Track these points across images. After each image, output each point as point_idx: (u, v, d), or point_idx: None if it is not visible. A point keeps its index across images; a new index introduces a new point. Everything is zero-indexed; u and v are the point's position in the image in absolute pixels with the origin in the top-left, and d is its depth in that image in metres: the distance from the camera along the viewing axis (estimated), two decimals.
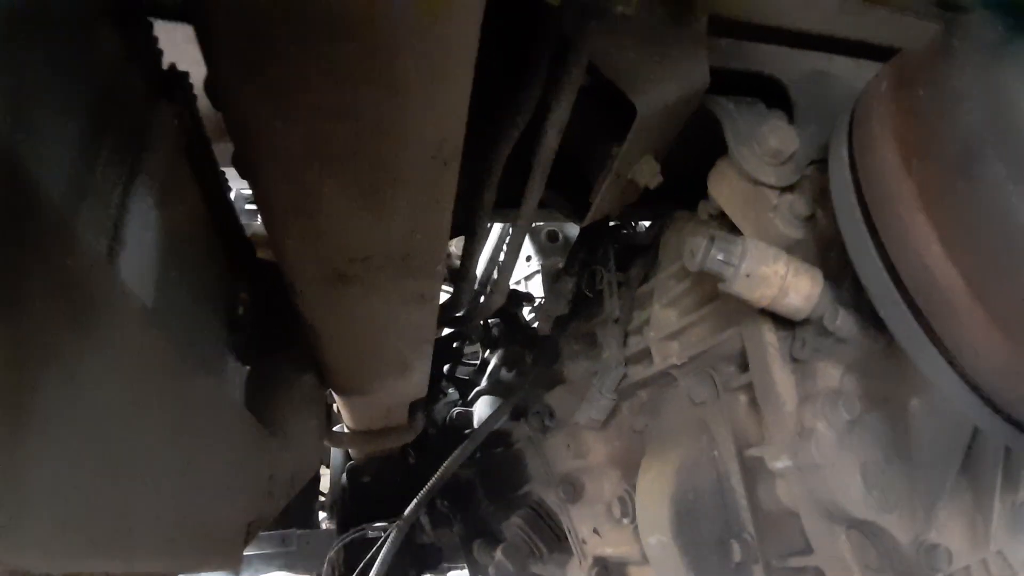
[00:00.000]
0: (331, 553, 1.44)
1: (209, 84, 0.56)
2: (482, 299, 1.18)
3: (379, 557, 1.28)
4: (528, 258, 2.29)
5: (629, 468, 1.31)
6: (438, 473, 1.40)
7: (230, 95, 0.52)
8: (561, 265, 1.77)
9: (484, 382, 1.83)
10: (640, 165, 0.96)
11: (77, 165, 0.58)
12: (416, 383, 1.08)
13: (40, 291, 0.43)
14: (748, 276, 0.86)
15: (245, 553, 1.81)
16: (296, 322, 1.10)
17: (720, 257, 0.87)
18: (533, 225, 2.24)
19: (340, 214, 0.61)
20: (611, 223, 1.40)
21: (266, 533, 1.78)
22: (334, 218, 0.62)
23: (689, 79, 0.91)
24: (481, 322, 1.86)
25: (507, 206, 1.00)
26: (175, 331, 0.70)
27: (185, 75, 0.82)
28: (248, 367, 1.09)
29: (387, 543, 1.30)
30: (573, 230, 2.19)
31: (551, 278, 1.72)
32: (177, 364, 0.67)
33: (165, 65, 0.79)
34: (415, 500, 1.38)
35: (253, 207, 2.09)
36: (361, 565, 1.30)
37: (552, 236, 2.21)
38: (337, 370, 1.02)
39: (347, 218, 0.62)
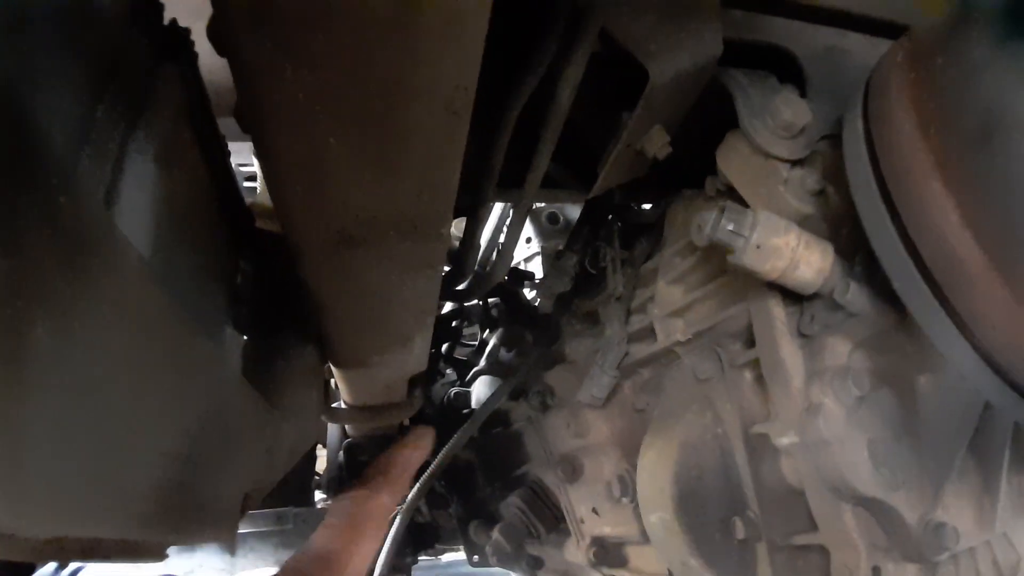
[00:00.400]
0: None
1: (213, 27, 0.54)
2: (483, 274, 1.16)
3: (387, 541, 1.27)
4: (528, 240, 2.27)
5: (630, 447, 1.30)
6: (440, 456, 1.39)
7: (235, 39, 0.50)
8: (562, 247, 1.75)
9: (483, 362, 1.82)
10: (650, 135, 0.94)
11: (76, 114, 0.57)
12: (417, 356, 1.07)
13: (35, 231, 0.42)
14: (759, 247, 0.84)
15: (241, 531, 1.81)
16: (296, 293, 1.09)
17: (731, 228, 0.85)
18: (534, 207, 2.23)
19: (347, 170, 0.60)
20: (615, 202, 1.38)
21: (262, 511, 1.77)
22: (341, 174, 0.60)
23: (702, 48, 0.89)
24: (481, 302, 1.84)
25: (511, 186, 0.98)
26: (174, 290, 0.68)
27: (187, 32, 0.80)
28: (246, 338, 1.07)
29: (393, 529, 1.29)
30: (574, 212, 2.17)
31: (552, 259, 1.71)
32: (176, 324, 0.65)
33: (166, 20, 0.77)
34: (417, 484, 1.37)
35: (251, 184, 2.07)
36: None
37: (553, 218, 2.19)
38: (338, 342, 1.00)
39: (354, 174, 0.60)
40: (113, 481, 0.60)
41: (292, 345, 1.10)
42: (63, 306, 0.45)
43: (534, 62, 0.79)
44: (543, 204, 2.21)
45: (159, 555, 0.84)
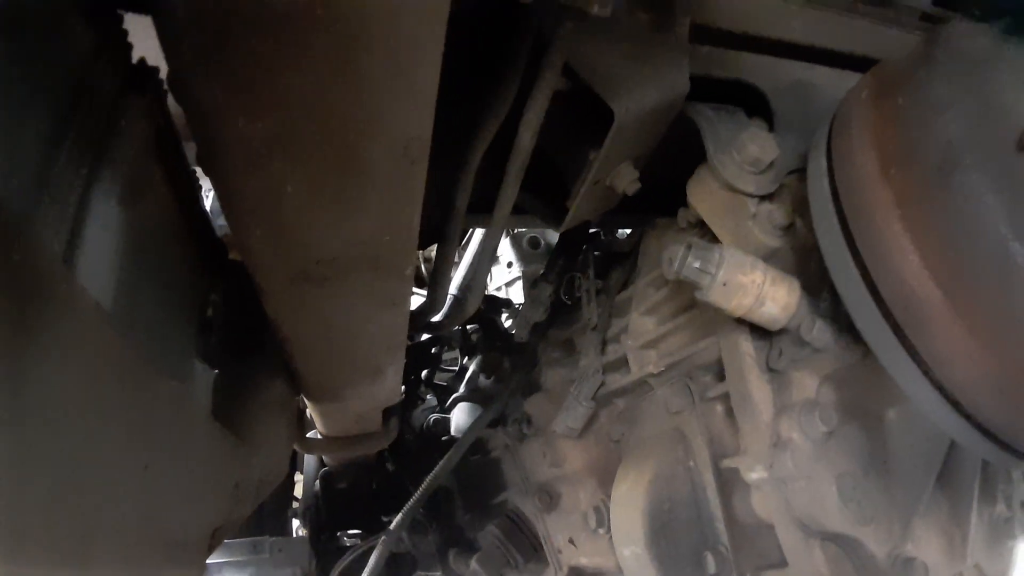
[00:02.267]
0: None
1: (171, 77, 0.55)
2: (458, 304, 1.16)
3: (367, 573, 1.25)
4: (509, 264, 2.27)
5: (606, 477, 1.29)
6: (424, 483, 1.37)
7: (191, 88, 0.51)
8: (543, 271, 1.76)
9: (462, 388, 1.82)
10: (618, 171, 0.95)
11: (35, 160, 0.57)
12: (389, 388, 1.06)
13: None
14: (725, 285, 0.85)
15: (217, 560, 1.79)
16: (267, 326, 1.08)
17: (697, 265, 0.86)
18: (515, 231, 2.23)
19: (305, 212, 0.60)
20: (591, 230, 1.38)
21: (238, 540, 1.75)
22: (299, 217, 0.60)
23: (669, 85, 0.90)
24: (459, 328, 1.84)
25: (484, 211, 0.99)
26: (137, 333, 0.68)
27: (155, 70, 0.80)
28: (216, 371, 1.06)
29: (373, 559, 1.28)
30: (555, 237, 2.18)
31: (531, 284, 1.71)
32: (138, 368, 0.65)
33: (135, 59, 0.77)
34: (400, 514, 1.35)
35: None
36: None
37: (534, 243, 2.20)
38: (307, 375, 1.00)
39: (313, 217, 0.60)
40: (76, 524, 0.59)
41: (262, 378, 1.09)
42: (20, 357, 0.45)
43: (497, 101, 0.79)
44: (524, 229, 2.22)
45: None
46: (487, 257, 1.03)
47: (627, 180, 0.95)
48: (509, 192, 0.87)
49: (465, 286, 1.46)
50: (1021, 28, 0.76)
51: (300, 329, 0.83)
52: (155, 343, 0.79)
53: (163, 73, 0.80)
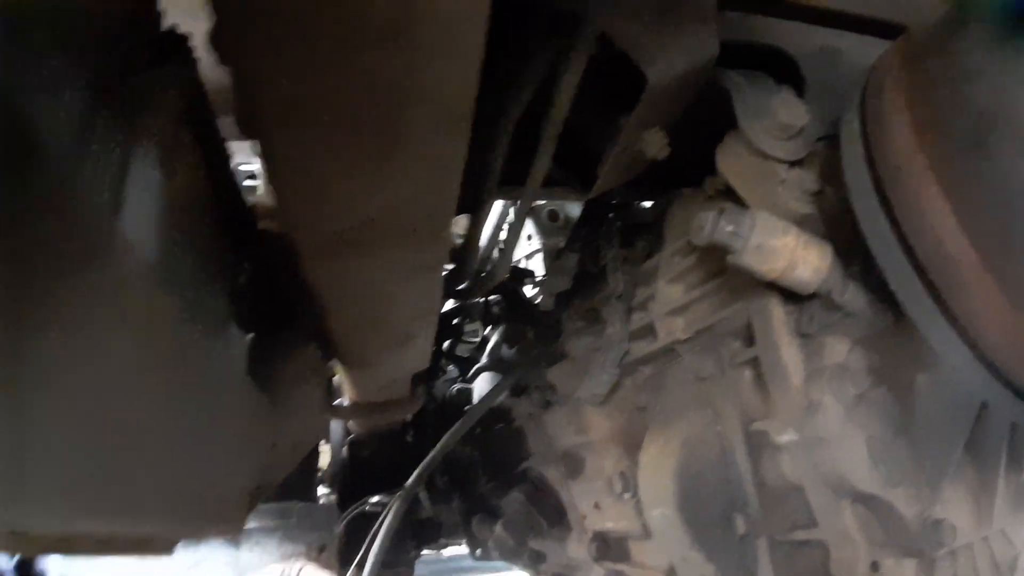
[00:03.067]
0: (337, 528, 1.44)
1: (215, 35, 0.55)
2: (485, 273, 1.17)
3: (383, 528, 1.27)
4: (529, 237, 2.28)
5: (631, 444, 1.30)
6: (440, 443, 1.39)
7: (237, 47, 0.51)
8: (562, 245, 1.76)
9: (484, 359, 1.83)
10: (648, 136, 0.95)
11: (77, 123, 0.57)
12: (419, 354, 1.08)
13: (42, 242, 0.42)
14: (757, 248, 0.85)
15: (246, 526, 1.82)
16: (299, 293, 1.10)
17: (729, 229, 0.86)
18: (534, 204, 2.23)
19: (348, 175, 0.61)
20: (615, 201, 1.39)
21: (266, 506, 1.78)
22: (341, 179, 0.61)
23: (700, 50, 0.90)
24: (482, 299, 1.85)
25: (512, 183, 0.99)
26: (180, 293, 0.69)
27: (186, 38, 0.81)
28: (250, 337, 1.08)
29: (390, 514, 1.30)
30: (574, 210, 2.18)
31: (552, 257, 1.72)
32: (183, 326, 0.66)
33: (165, 26, 0.78)
34: (417, 470, 1.37)
35: (251, 183, 2.08)
36: (369, 538, 1.29)
37: (553, 216, 2.19)
38: (340, 341, 1.01)
39: (355, 180, 0.61)
40: (124, 478, 0.60)
41: (295, 343, 1.11)
42: (70, 313, 0.46)
43: (533, 67, 0.80)
44: (543, 202, 2.21)
45: (167, 550, 0.86)
46: (518, 226, 1.03)
47: (657, 145, 0.95)
48: (544, 159, 0.88)
49: (491, 260, 1.46)
50: None
51: (335, 294, 0.84)
52: (195, 304, 0.80)
53: (194, 40, 0.81)
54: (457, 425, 1.41)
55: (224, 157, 1.00)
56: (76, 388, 0.49)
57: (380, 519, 1.29)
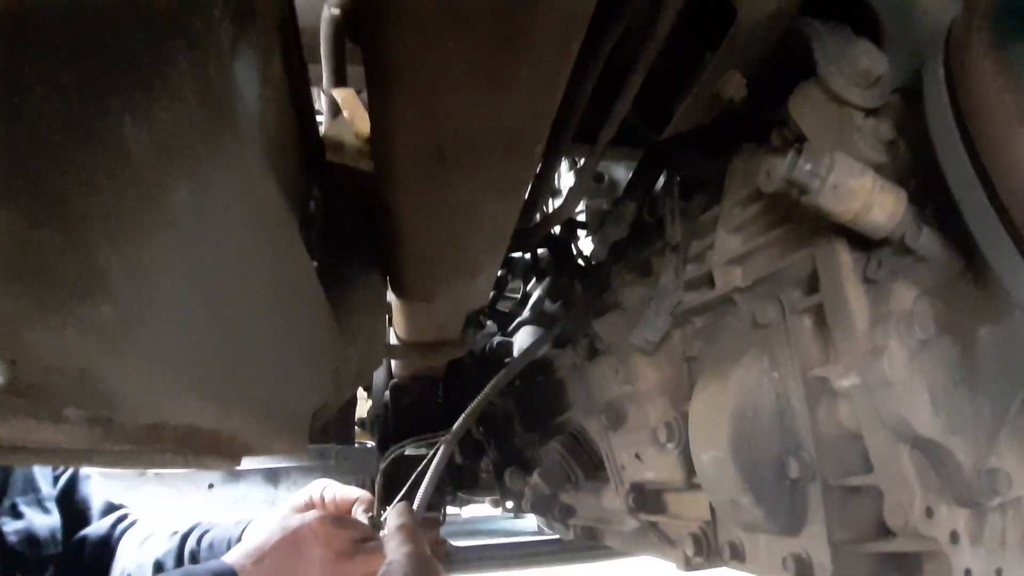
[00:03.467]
0: (383, 464, 1.46)
1: None
2: (545, 215, 1.19)
3: (431, 468, 1.30)
4: None
5: (678, 395, 1.32)
6: (489, 385, 1.40)
7: None
8: (606, 206, 1.77)
9: (527, 313, 1.85)
10: (727, 77, 0.95)
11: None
12: (480, 289, 1.09)
13: (187, 97, 0.44)
14: (835, 188, 0.86)
15: (284, 465, 1.86)
16: (369, 222, 1.11)
17: (808, 167, 0.87)
18: (580, 164, 2.24)
19: (458, 82, 0.62)
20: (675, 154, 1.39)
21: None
22: (451, 86, 0.62)
23: None
24: (528, 255, 1.87)
25: (578, 140, 1.01)
26: (278, 185, 0.70)
27: None
28: (316, 264, 1.10)
29: (438, 455, 1.32)
30: (619, 172, 2.18)
31: (597, 217, 1.73)
32: (282, 216, 0.68)
33: None
34: (464, 413, 1.39)
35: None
36: (412, 477, 1.31)
37: (598, 177, 2.20)
38: (407, 270, 1.03)
39: (464, 87, 0.62)
40: (221, 361, 0.62)
41: (359, 272, 1.13)
42: (201, 173, 0.47)
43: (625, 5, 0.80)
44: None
45: (236, 459, 0.88)
46: (591, 168, 1.04)
47: (735, 87, 0.96)
48: (626, 101, 0.88)
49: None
50: None
51: (416, 213, 0.86)
52: (285, 210, 0.82)
53: None
54: (505, 370, 1.42)
55: (306, 83, 1.02)
56: (197, 255, 0.50)
57: (429, 456, 1.30)
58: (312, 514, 1.19)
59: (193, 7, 0.43)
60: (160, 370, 0.50)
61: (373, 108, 0.71)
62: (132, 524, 1.52)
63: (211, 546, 1.38)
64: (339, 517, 1.21)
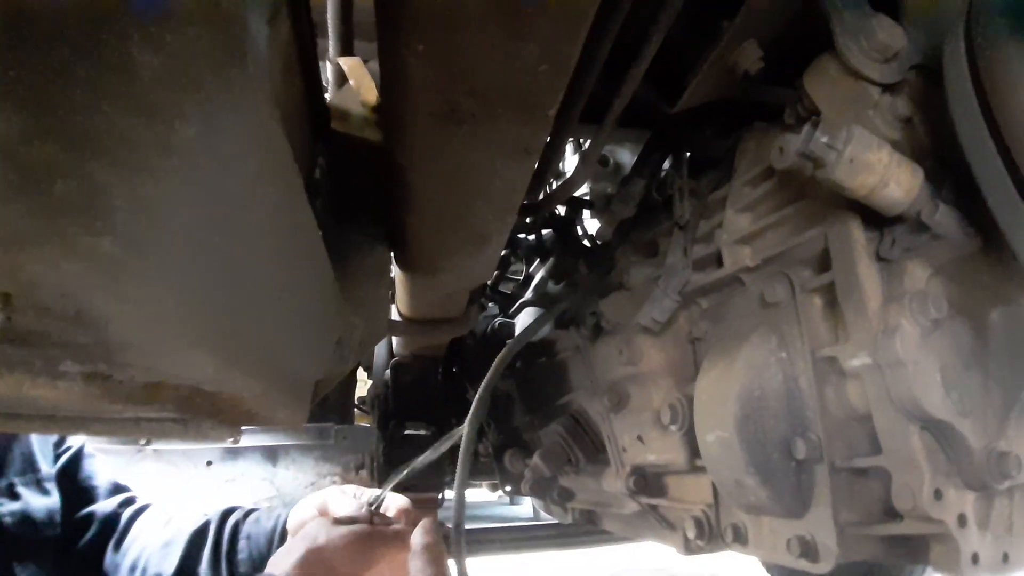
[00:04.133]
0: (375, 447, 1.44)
1: None
2: (554, 189, 1.17)
3: (460, 458, 1.27)
4: None
5: (682, 376, 1.31)
6: (498, 359, 1.38)
7: None
8: (611, 190, 1.75)
9: (529, 293, 1.83)
10: (743, 48, 0.94)
11: None
12: (486, 263, 1.08)
13: (195, 28, 0.42)
14: (852, 162, 0.84)
15: (284, 443, 1.84)
16: (371, 193, 1.10)
17: (824, 140, 0.85)
18: (585, 147, 2.22)
19: (475, 29, 0.60)
20: (685, 131, 1.38)
21: (305, 425, 1.81)
22: (469, 32, 0.60)
23: None
24: (531, 235, 1.85)
25: (585, 121, 0.99)
26: (287, 137, 0.69)
27: None
28: (321, 233, 1.09)
29: (464, 438, 1.29)
30: (624, 156, 2.17)
31: (602, 200, 1.71)
32: (288, 172, 0.66)
33: None
34: (479, 392, 1.35)
35: None
36: (416, 462, 1.29)
37: (603, 160, 2.18)
38: (414, 239, 1.02)
39: (481, 35, 0.61)
40: (224, 316, 0.60)
41: (363, 243, 1.11)
42: (210, 107, 0.45)
43: None
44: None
45: (236, 427, 0.86)
46: (598, 146, 1.03)
47: (752, 58, 0.94)
48: (640, 67, 0.86)
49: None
50: None
51: (425, 179, 0.84)
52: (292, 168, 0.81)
53: None
54: (511, 343, 1.40)
55: (313, 47, 1.00)
56: (201, 195, 0.48)
57: (443, 439, 1.27)
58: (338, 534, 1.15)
59: None
60: (161, 316, 0.48)
61: (385, 65, 0.70)
62: (143, 507, 1.50)
63: (248, 536, 1.35)
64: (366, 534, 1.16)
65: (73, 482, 1.48)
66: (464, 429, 1.22)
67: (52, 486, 1.45)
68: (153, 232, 0.42)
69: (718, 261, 1.20)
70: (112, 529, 1.46)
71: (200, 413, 0.73)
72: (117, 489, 1.52)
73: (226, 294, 0.59)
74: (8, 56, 0.29)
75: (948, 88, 0.85)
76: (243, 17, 0.48)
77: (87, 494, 1.48)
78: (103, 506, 1.48)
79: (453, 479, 1.89)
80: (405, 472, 1.27)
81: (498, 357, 1.34)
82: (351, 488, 1.25)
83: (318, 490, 1.61)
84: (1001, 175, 0.78)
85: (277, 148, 0.60)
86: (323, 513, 1.25)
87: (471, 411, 1.25)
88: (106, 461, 1.58)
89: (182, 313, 0.50)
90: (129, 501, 1.51)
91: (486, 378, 1.30)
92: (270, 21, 0.76)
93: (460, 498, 1.28)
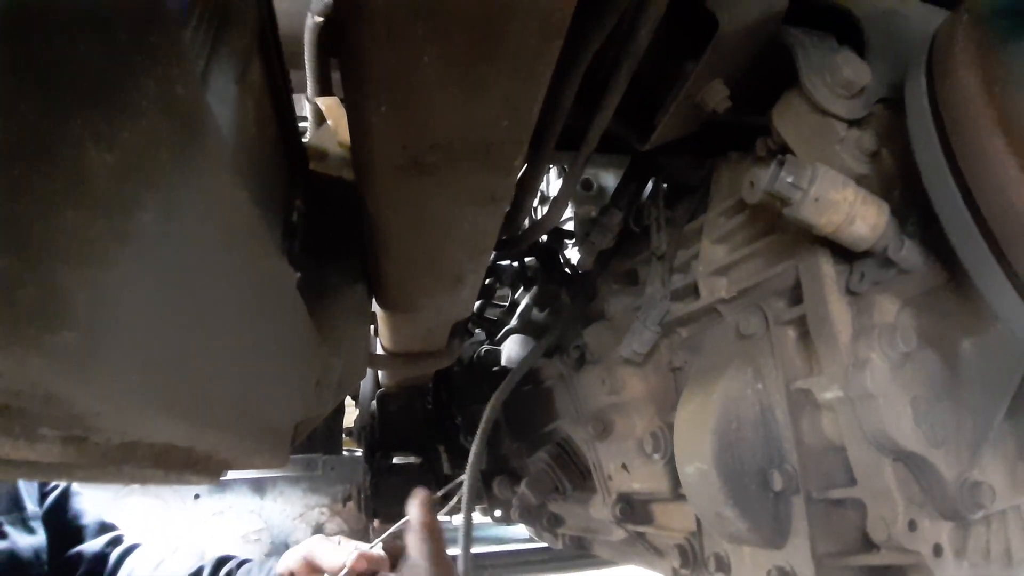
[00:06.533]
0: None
1: None
2: (531, 224, 1.18)
3: (464, 493, 1.28)
4: None
5: (664, 405, 1.32)
6: (497, 392, 1.38)
7: None
8: (595, 214, 1.77)
9: (515, 321, 1.84)
10: (710, 87, 0.95)
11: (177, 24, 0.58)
12: (464, 301, 1.09)
13: (152, 115, 0.43)
14: (817, 200, 0.86)
15: (271, 475, 1.84)
16: (351, 231, 1.11)
17: (790, 180, 0.86)
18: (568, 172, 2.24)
19: (434, 88, 0.61)
20: (660, 162, 1.39)
21: (292, 456, 1.81)
22: (427, 93, 0.61)
23: (770, 2, 0.90)
24: (515, 262, 1.86)
25: (565, 148, 1.00)
26: (250, 193, 0.70)
27: None
28: (299, 274, 1.09)
29: (467, 489, 1.30)
30: (607, 179, 2.18)
31: (585, 224, 1.72)
32: (256, 231, 0.67)
33: None
34: (481, 426, 1.36)
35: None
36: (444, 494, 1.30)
37: (587, 184, 2.20)
38: (390, 281, 1.03)
39: (440, 94, 0.62)
40: (192, 382, 0.61)
41: (342, 283, 1.12)
42: (170, 192, 0.46)
43: (608, 10, 0.79)
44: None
45: (216, 475, 0.87)
46: (575, 176, 1.04)
47: (718, 97, 0.95)
48: (618, 87, 0.87)
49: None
50: None
51: (395, 223, 0.85)
52: (259, 219, 0.81)
53: None
54: (503, 386, 1.41)
55: (288, 93, 1.01)
56: (163, 277, 0.49)
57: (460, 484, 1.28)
58: None
59: (157, 19, 0.43)
60: (127, 393, 0.48)
61: (351, 119, 0.71)
62: (132, 547, 1.50)
63: None
64: None
65: (61, 521, 1.48)
66: (467, 475, 1.23)
67: (38, 525, 1.45)
68: (113, 318, 0.42)
69: (695, 292, 1.21)
70: (100, 569, 1.46)
71: (177, 466, 0.74)
72: (104, 528, 1.52)
73: (193, 360, 0.60)
74: None
75: (910, 124, 0.86)
76: (201, 98, 0.49)
77: (75, 533, 1.48)
78: (91, 546, 1.48)
79: (442, 507, 1.90)
80: (398, 525, 1.27)
81: (493, 397, 1.35)
82: (335, 537, 1.26)
83: (306, 522, 1.62)
84: (961, 211, 0.79)
85: (242, 212, 0.61)
86: (309, 562, 1.26)
87: (472, 453, 1.26)
88: (93, 498, 1.58)
89: (148, 387, 0.51)
90: (117, 540, 1.50)
91: (482, 422, 1.31)
92: (239, 78, 0.77)
93: (467, 523, 1.29)
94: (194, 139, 0.48)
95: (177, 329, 0.54)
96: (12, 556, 1.37)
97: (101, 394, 0.45)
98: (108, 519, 1.54)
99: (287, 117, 1.02)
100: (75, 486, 1.53)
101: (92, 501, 1.55)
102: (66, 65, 0.35)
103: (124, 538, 1.51)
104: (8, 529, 1.39)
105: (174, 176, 0.45)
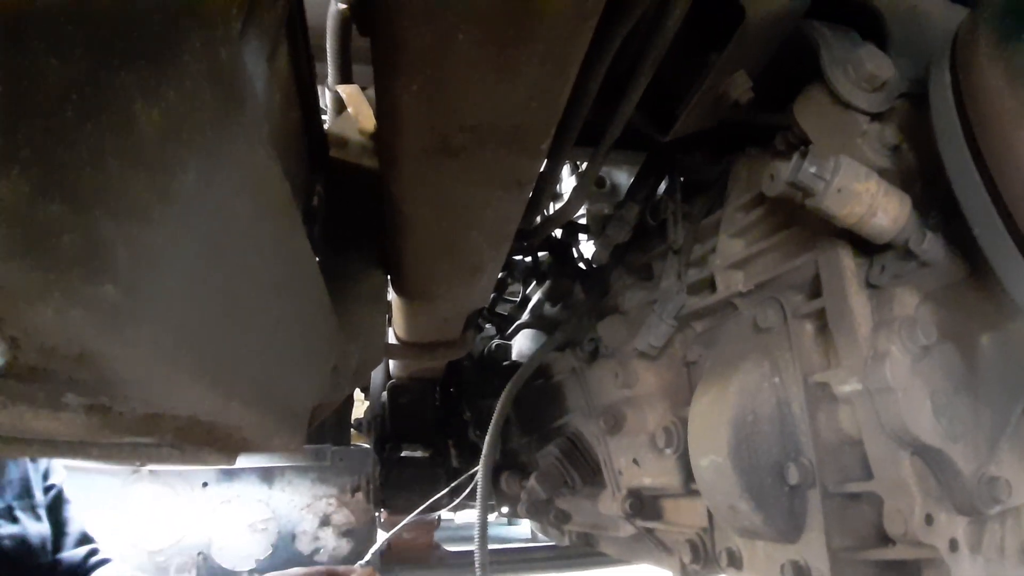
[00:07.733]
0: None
1: None
2: (548, 215, 1.18)
3: (479, 487, 1.29)
4: None
5: (677, 400, 1.32)
6: (509, 385, 1.38)
7: None
8: (607, 211, 1.77)
9: (526, 315, 1.84)
10: (733, 79, 0.95)
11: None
12: (481, 289, 1.09)
13: (199, 79, 0.43)
14: (839, 191, 0.86)
15: (280, 464, 1.85)
16: (367, 220, 1.11)
17: (812, 170, 0.86)
18: (581, 169, 2.24)
19: (467, 69, 0.61)
20: (678, 157, 1.39)
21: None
22: (460, 72, 0.62)
23: None
24: (528, 257, 1.86)
25: (581, 144, 1.01)
26: (282, 169, 0.70)
27: None
28: (318, 259, 1.10)
29: (481, 484, 1.30)
30: (620, 177, 2.19)
31: (598, 222, 1.72)
32: (286, 206, 0.68)
33: None
34: (493, 423, 1.36)
35: None
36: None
37: (599, 182, 2.20)
38: (409, 268, 1.03)
39: (472, 74, 0.62)
40: (222, 352, 0.61)
41: (361, 270, 1.13)
42: (210, 154, 0.47)
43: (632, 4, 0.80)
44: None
45: (233, 456, 0.87)
46: (594, 170, 1.04)
47: (741, 88, 0.96)
48: (644, 77, 0.87)
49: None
50: None
51: (419, 208, 0.85)
52: (288, 198, 0.82)
53: None
54: (514, 379, 1.41)
55: (312, 76, 1.02)
56: (202, 239, 0.49)
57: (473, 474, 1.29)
58: None
59: None
60: (161, 355, 0.49)
61: (380, 100, 0.71)
62: (104, 561, 1.52)
63: None
64: None
65: (51, 523, 1.50)
66: (480, 468, 1.23)
67: (44, 513, 1.46)
68: (153, 277, 0.43)
69: (712, 285, 1.21)
70: None
71: (197, 442, 0.74)
72: (85, 539, 1.54)
73: (224, 330, 0.60)
74: (13, 121, 0.30)
75: (934, 117, 0.86)
76: (242, 64, 0.49)
77: (57, 540, 1.50)
78: (71, 555, 1.50)
79: (448, 502, 1.90)
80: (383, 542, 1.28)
81: (505, 390, 1.35)
82: (315, 569, 1.28)
83: (313, 512, 1.62)
84: (986, 204, 0.79)
85: (274, 186, 0.61)
86: None
87: (486, 445, 1.26)
88: (93, 500, 1.61)
89: (181, 351, 0.51)
90: (93, 552, 1.53)
91: (495, 415, 1.31)
92: (269, 58, 0.78)
93: (483, 517, 1.29)
94: (235, 106, 0.48)
95: (212, 293, 0.54)
96: (23, 542, 1.38)
97: (136, 353, 0.45)
98: (90, 531, 1.57)
99: (311, 104, 1.03)
100: (68, 494, 1.55)
101: (80, 511, 1.57)
102: (121, 17, 0.35)
103: (100, 551, 1.53)
104: (20, 514, 1.40)
105: (214, 140, 0.46)
